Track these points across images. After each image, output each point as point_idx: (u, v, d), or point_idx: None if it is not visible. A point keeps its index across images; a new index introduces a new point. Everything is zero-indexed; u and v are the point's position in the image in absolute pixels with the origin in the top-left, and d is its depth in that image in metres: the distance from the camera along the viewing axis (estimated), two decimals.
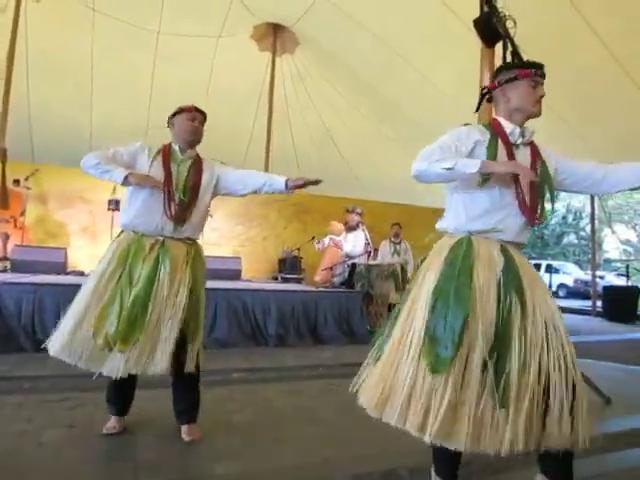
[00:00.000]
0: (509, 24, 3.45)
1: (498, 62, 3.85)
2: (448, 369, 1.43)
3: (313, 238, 7.10)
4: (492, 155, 1.64)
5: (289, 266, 7.20)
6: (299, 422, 2.61)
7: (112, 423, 2.31)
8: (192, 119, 2.34)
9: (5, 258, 5.67)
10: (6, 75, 6.99)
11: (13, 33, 7.02)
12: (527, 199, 1.66)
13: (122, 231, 2.31)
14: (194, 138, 2.37)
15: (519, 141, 1.71)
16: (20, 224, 6.24)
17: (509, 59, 3.60)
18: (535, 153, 1.73)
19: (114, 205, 6.61)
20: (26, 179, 6.47)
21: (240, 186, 2.42)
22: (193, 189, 2.31)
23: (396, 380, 1.53)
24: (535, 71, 1.67)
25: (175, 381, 2.34)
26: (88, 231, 7.04)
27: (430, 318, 1.52)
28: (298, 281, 6.81)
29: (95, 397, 2.80)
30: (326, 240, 6.56)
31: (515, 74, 1.69)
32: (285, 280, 6.81)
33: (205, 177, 2.38)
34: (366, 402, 1.61)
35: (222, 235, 7.71)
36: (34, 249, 5.66)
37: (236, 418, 2.60)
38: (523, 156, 1.70)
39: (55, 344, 2.14)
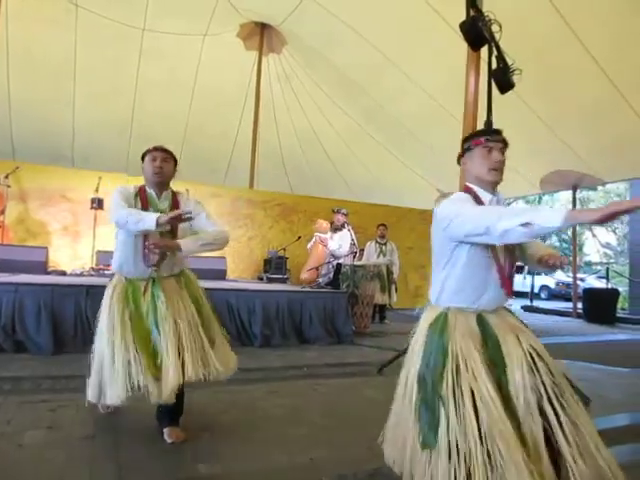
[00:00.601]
0: (494, 28, 3.50)
1: (484, 65, 3.91)
2: (436, 444, 1.48)
3: (299, 238, 7.10)
4: None
5: (274, 266, 7.17)
6: (284, 423, 2.61)
7: None
8: (153, 159, 2.35)
9: None
10: None
11: None
12: (506, 271, 1.66)
13: (114, 274, 2.45)
14: (158, 179, 2.36)
15: None
16: (0, 223, 6.11)
17: (494, 63, 3.66)
18: None
19: (97, 204, 6.50)
20: (6, 177, 6.32)
21: None
22: (172, 237, 2.35)
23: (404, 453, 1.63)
24: (486, 138, 1.66)
25: None
26: (70, 230, 6.92)
27: (417, 402, 1.60)
28: (283, 281, 6.79)
29: (76, 398, 2.76)
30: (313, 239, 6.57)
31: (470, 144, 1.71)
32: (270, 280, 6.79)
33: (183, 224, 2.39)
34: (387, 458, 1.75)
35: None
36: (14, 248, 5.55)
37: (220, 419, 2.59)
38: None
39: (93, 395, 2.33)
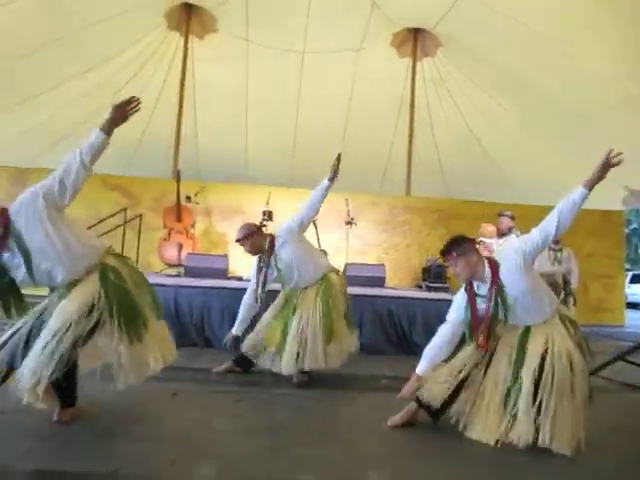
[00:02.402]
0: None
1: None
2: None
3: None
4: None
5: (434, 275, 6.94)
6: (449, 438, 2.46)
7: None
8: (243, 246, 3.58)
9: (180, 265, 6.49)
10: (178, 109, 8.10)
11: (183, 70, 8.09)
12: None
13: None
14: (251, 254, 3.59)
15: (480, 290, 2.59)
16: (191, 235, 7.10)
17: None
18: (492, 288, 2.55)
19: (267, 216, 7.10)
20: (195, 195, 7.35)
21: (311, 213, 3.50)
22: (281, 263, 3.38)
23: None
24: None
25: None
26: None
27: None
28: (444, 290, 6.54)
29: (256, 392, 3.05)
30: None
31: None
32: (430, 289, 6.60)
33: (284, 252, 3.38)
34: None
35: (366, 242, 7.80)
36: (202, 256, 6.36)
37: (385, 426, 2.55)
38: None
39: None
